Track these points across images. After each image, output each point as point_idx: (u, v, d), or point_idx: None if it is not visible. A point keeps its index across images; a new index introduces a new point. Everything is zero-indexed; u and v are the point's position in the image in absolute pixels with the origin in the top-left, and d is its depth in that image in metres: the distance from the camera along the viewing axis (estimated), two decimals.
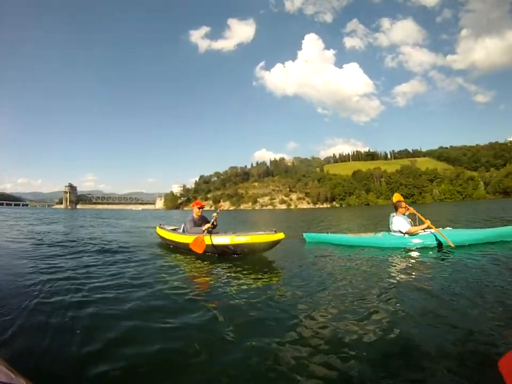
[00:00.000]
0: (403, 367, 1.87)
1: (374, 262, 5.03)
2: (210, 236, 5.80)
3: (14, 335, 2.36)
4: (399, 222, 6.18)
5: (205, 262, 5.33)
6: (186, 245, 5.96)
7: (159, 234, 7.54)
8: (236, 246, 5.55)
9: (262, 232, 5.53)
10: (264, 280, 4.12)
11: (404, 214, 6.30)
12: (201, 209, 6.65)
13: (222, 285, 3.87)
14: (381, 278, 3.94)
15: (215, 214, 6.33)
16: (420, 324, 2.45)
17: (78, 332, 2.40)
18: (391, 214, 6.41)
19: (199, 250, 5.57)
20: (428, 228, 6.01)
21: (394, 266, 4.76)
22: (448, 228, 6.34)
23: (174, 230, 7.21)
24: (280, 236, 5.33)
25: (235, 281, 4.05)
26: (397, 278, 3.94)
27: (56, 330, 2.46)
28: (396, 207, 6.37)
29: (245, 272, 4.59)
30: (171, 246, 6.90)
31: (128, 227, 15.50)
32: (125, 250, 6.60)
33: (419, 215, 6.15)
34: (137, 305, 3.06)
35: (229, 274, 4.50)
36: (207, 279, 4.38)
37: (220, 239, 5.69)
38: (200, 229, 6.07)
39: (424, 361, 1.91)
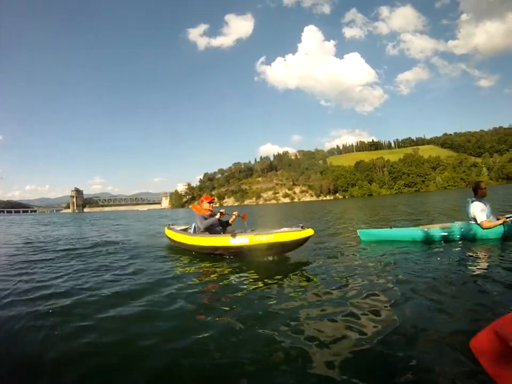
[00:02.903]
0: None
1: (460, 263, 3.91)
2: (226, 236, 5.11)
3: None
4: (477, 208, 5.09)
5: (222, 265, 4.61)
6: (197, 247, 5.46)
7: (167, 236, 6.71)
8: (257, 247, 4.75)
9: (286, 229, 4.70)
10: (298, 288, 3.29)
11: (483, 197, 5.23)
12: (211, 204, 5.80)
13: (246, 295, 3.17)
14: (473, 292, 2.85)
15: (235, 213, 5.76)
16: None
17: (58, 339, 2.29)
18: (469, 199, 5.32)
19: None
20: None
21: (486, 267, 3.67)
22: None
23: (184, 230, 6.49)
24: (309, 232, 4.53)
25: (269, 293, 3.21)
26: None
27: (31, 338, 2.35)
28: (474, 190, 5.33)
29: (274, 278, 3.76)
30: (177, 248, 6.22)
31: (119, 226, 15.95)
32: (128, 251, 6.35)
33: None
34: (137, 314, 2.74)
35: (255, 282, 3.65)
36: (224, 286, 3.63)
37: (237, 240, 4.90)
38: (216, 229, 5.56)
39: None
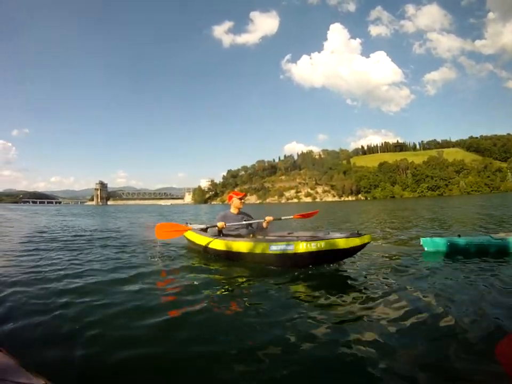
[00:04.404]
0: None
1: None
2: (264, 242, 4.43)
3: (16, 328, 2.28)
4: None
5: (260, 275, 3.91)
6: (223, 252, 4.75)
7: (185, 237, 5.84)
8: (304, 256, 4.01)
9: (340, 235, 4.13)
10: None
11: None
12: (242, 201, 5.23)
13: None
14: None
15: (269, 219, 5.05)
16: None
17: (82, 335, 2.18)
18: None
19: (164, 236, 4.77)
20: None
21: None
22: None
23: (205, 230, 5.70)
24: (366, 238, 3.99)
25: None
26: None
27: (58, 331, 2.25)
28: None
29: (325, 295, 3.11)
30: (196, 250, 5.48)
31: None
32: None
33: None
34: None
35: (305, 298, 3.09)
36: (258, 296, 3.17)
37: (279, 247, 4.17)
38: (235, 228, 4.97)
39: None
